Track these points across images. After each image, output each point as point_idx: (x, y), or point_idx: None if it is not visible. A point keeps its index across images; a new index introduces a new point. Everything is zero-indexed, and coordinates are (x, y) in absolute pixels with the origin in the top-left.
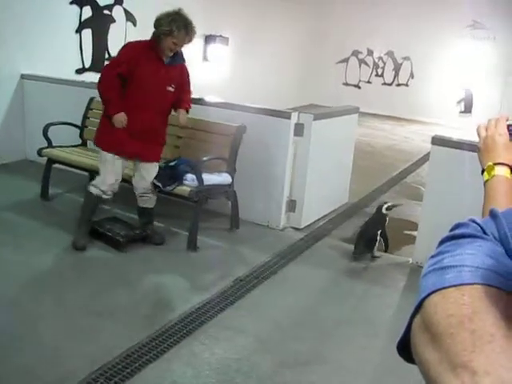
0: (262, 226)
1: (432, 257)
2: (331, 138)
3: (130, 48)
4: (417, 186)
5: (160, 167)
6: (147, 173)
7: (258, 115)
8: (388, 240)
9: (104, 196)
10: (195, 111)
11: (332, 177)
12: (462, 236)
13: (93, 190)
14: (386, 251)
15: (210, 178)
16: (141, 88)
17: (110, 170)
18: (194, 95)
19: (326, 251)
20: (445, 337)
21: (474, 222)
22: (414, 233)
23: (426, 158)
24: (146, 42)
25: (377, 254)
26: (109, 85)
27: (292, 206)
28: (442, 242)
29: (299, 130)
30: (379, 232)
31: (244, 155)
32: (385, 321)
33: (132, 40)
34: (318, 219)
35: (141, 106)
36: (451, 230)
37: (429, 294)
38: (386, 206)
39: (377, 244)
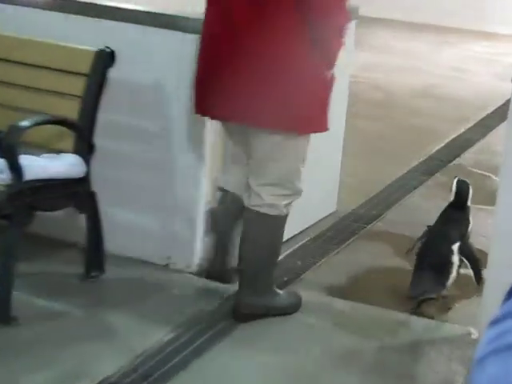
0: (154, 265)
1: (494, 322)
2: None
3: None
4: (483, 172)
5: None
6: None
7: (142, 28)
8: (479, 261)
9: None
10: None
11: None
12: None
13: (286, 210)
14: (478, 284)
15: (38, 166)
16: None
17: None
18: None
19: (292, 315)
20: None
21: None
22: None
23: (500, 112)
24: None
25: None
26: None
27: None
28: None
29: None
30: (457, 246)
31: (113, 116)
32: None
33: None
34: None
35: None
36: None
37: None
38: (471, 190)
39: (455, 271)
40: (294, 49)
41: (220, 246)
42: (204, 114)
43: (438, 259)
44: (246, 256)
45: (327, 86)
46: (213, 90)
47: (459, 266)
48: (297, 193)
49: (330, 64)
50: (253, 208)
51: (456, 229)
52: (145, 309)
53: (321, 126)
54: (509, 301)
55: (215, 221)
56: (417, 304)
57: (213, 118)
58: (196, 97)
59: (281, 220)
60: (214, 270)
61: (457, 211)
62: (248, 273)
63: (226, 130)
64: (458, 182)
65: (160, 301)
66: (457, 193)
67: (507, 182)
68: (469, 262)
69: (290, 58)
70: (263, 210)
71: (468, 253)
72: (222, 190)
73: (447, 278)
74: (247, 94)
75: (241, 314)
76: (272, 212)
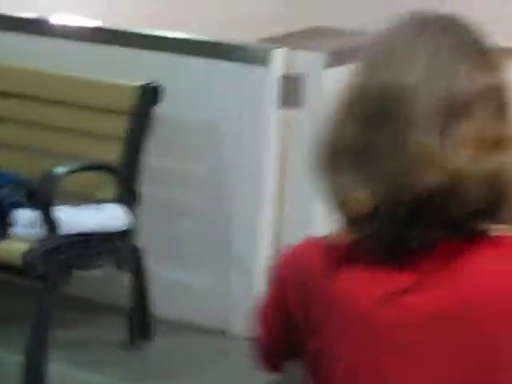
0: (208, 331)
1: None
2: None
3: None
4: None
5: None
6: None
7: (192, 59)
8: None
9: None
10: (28, 50)
11: None
12: None
13: None
14: None
15: (75, 218)
16: None
17: None
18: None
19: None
20: None
21: None
22: None
23: None
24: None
25: None
26: None
27: None
28: None
29: (293, 91)
30: None
31: (160, 160)
32: None
33: None
34: None
35: None
36: None
37: None
38: None
39: None
40: None
41: None
42: None
43: None
44: None
45: None
46: None
47: None
48: None
49: None
50: None
51: None
52: (198, 383)
53: None
54: None
55: None
56: None
57: None
58: None
59: None
60: None
61: None
62: None
63: None
64: None
65: (215, 374)
66: None
67: None
68: None
69: None
70: None
71: None
72: None
73: None
74: None
75: None
76: None
